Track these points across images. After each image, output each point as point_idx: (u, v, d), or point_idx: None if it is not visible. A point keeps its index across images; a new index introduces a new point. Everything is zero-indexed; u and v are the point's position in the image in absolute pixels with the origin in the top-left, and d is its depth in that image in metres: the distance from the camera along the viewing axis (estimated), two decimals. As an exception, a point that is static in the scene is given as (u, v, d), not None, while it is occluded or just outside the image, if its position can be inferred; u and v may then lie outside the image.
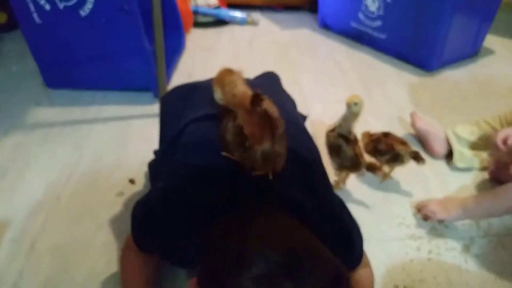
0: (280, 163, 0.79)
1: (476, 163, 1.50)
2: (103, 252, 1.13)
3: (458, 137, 1.52)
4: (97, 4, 1.57)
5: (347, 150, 1.24)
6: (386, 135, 1.37)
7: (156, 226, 0.86)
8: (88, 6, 1.59)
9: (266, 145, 0.76)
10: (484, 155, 1.50)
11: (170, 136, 1.00)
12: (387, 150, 1.32)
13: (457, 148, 1.51)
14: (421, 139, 1.62)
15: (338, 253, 0.87)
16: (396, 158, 1.32)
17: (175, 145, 0.95)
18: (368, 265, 0.99)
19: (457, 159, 1.50)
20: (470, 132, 1.51)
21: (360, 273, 0.95)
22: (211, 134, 0.89)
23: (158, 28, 1.50)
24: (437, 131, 1.58)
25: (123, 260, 1.00)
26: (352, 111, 1.19)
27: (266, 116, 0.79)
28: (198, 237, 0.80)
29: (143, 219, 0.90)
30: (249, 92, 0.88)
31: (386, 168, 1.38)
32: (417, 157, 1.30)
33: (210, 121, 0.93)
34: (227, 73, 0.94)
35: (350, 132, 1.24)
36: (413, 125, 1.66)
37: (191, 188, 0.82)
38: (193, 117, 0.97)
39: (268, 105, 0.81)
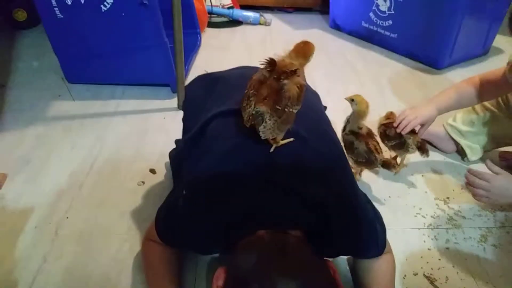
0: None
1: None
2: (125, 238, 1.15)
3: (461, 132, 1.53)
4: (118, -1, 1.61)
5: (359, 145, 1.26)
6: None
7: (180, 232, 0.89)
8: (109, 0, 1.62)
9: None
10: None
11: (193, 128, 1.00)
12: (395, 136, 1.34)
13: (464, 143, 1.52)
14: (429, 143, 1.59)
15: (363, 245, 0.91)
16: (402, 146, 1.34)
17: (198, 141, 0.96)
18: (390, 251, 1.01)
19: (469, 154, 1.52)
20: (470, 122, 1.52)
21: (383, 258, 0.97)
22: (234, 133, 0.90)
23: (178, 23, 1.53)
24: (437, 131, 1.57)
25: (146, 252, 1.02)
26: (353, 109, 1.24)
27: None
28: (223, 242, 0.85)
29: (168, 226, 0.93)
30: None
31: (398, 160, 1.40)
32: (422, 148, 1.34)
33: (233, 116, 0.93)
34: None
35: (360, 127, 1.26)
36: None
37: (214, 200, 0.83)
38: (215, 112, 0.97)
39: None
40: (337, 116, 1.44)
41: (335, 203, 0.84)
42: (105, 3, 1.63)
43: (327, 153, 0.92)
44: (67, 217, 1.21)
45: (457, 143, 1.55)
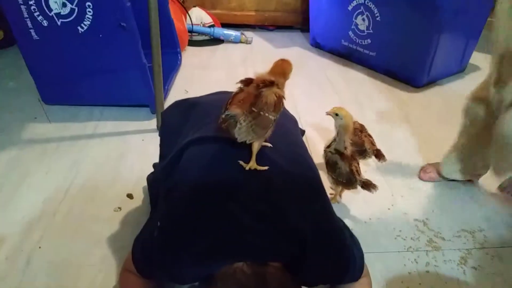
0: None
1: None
2: (101, 268, 1.11)
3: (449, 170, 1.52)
4: (95, 20, 1.59)
5: (342, 166, 1.25)
6: (362, 129, 1.45)
7: (158, 264, 0.86)
8: (86, 22, 1.60)
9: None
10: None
11: (169, 154, 1.00)
12: (358, 144, 1.39)
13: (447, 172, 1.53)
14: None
15: (341, 271, 0.90)
16: (362, 153, 1.41)
17: (173, 168, 0.95)
18: (367, 274, 1.00)
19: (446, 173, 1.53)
20: (455, 168, 1.50)
21: (360, 282, 0.96)
22: (207, 161, 0.89)
23: (156, 44, 1.52)
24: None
25: (123, 283, 0.99)
26: (338, 124, 1.23)
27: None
28: (201, 273, 0.82)
29: (145, 258, 0.90)
30: None
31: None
32: (378, 155, 1.43)
33: (208, 143, 0.93)
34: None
35: (345, 147, 1.26)
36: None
37: (187, 231, 0.82)
38: (190, 139, 0.96)
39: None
40: (317, 134, 1.45)
41: (311, 231, 0.83)
42: (82, 24, 1.61)
43: (302, 179, 0.91)
44: (40, 247, 1.17)
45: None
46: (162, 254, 0.84)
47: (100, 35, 1.63)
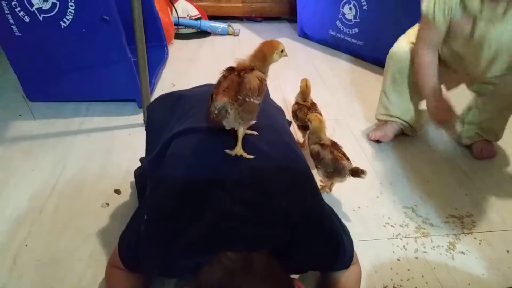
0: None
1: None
2: (89, 264, 1.10)
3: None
4: (77, 14, 1.57)
5: (325, 154, 1.26)
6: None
7: (144, 258, 0.85)
8: (68, 16, 1.58)
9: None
10: None
11: (156, 148, 0.99)
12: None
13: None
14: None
15: (330, 259, 0.90)
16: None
17: (160, 161, 0.95)
18: (357, 262, 1.00)
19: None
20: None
21: (350, 270, 0.97)
22: (192, 151, 0.89)
23: (140, 38, 1.50)
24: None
25: (109, 278, 0.98)
26: (310, 127, 1.32)
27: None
28: (188, 266, 0.81)
29: (132, 252, 0.89)
30: None
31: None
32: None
33: (196, 134, 0.93)
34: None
35: (320, 139, 1.29)
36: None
37: (174, 224, 0.82)
38: (176, 130, 0.96)
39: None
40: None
41: (299, 216, 0.83)
42: (64, 19, 1.59)
43: (289, 166, 0.92)
44: (26, 245, 1.15)
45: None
46: (149, 247, 0.83)
47: (83, 30, 1.61)
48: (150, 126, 1.18)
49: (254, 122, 0.95)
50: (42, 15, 1.58)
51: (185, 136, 0.95)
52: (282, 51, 0.92)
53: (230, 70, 0.87)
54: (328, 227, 0.89)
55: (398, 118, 1.66)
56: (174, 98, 1.15)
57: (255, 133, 0.93)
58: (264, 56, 0.89)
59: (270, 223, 0.81)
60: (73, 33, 1.61)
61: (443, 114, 1.50)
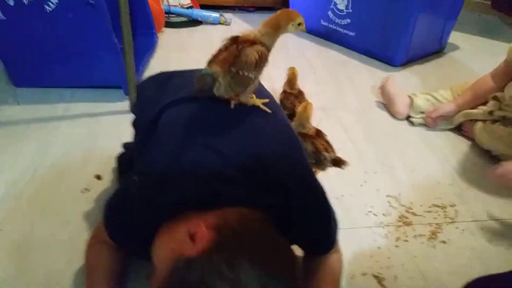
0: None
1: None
2: (64, 249, 1.09)
3: (420, 100, 1.76)
4: (63, -1, 1.54)
5: (307, 146, 1.24)
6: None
7: (130, 220, 0.83)
8: (54, 0, 1.55)
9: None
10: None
11: (146, 121, 0.96)
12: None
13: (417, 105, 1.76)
14: (387, 101, 1.83)
15: (316, 237, 0.89)
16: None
17: (152, 129, 0.92)
18: (338, 250, 0.99)
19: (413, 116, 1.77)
20: (425, 100, 1.76)
21: (331, 257, 0.96)
22: (191, 115, 0.88)
23: (125, 22, 1.48)
24: (403, 95, 1.79)
25: (90, 250, 0.96)
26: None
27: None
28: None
29: (118, 212, 0.87)
30: None
31: None
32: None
33: (190, 103, 0.91)
34: None
35: (304, 127, 1.26)
36: (384, 86, 1.82)
37: (167, 181, 0.79)
38: (171, 100, 0.94)
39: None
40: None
41: (295, 182, 0.81)
42: (49, 3, 1.56)
43: (286, 139, 0.91)
44: (1, 229, 1.13)
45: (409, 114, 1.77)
46: (137, 204, 0.80)
47: (69, 14, 1.59)
48: (139, 107, 1.14)
49: (253, 95, 0.94)
50: (27, -1, 1.56)
51: (176, 106, 0.92)
52: (299, 24, 0.89)
53: (233, 40, 0.86)
54: (323, 197, 0.88)
55: None
56: (166, 76, 1.12)
57: (269, 111, 0.92)
58: (277, 25, 0.87)
59: (266, 188, 0.79)
60: (58, 17, 1.58)
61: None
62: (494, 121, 1.57)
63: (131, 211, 0.82)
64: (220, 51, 0.86)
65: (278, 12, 0.89)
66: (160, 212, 0.78)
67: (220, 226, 0.70)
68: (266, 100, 0.95)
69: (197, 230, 0.69)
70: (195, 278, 0.61)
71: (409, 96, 1.78)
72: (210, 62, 0.85)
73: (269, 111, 0.93)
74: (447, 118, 1.70)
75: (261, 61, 0.85)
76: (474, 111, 1.65)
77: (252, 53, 0.83)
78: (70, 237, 1.12)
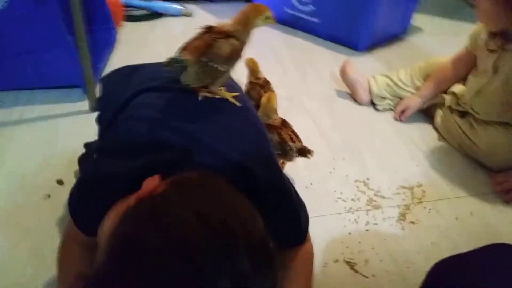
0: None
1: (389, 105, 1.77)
2: (28, 259, 1.04)
3: (379, 87, 1.76)
4: (11, -4, 1.46)
5: (272, 137, 1.21)
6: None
7: (94, 199, 0.78)
8: (3, -1, 1.47)
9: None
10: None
11: (111, 115, 0.92)
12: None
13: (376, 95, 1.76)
14: (349, 86, 1.82)
15: (285, 236, 0.87)
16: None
17: (117, 119, 0.88)
18: (309, 240, 0.98)
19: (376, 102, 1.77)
20: (385, 85, 1.76)
21: (304, 249, 0.95)
22: (158, 102, 0.85)
23: (78, 18, 1.42)
24: (363, 80, 1.78)
25: (60, 251, 0.91)
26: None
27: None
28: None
29: (79, 196, 0.82)
30: None
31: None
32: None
33: (158, 92, 0.89)
34: None
35: (270, 118, 1.24)
36: (343, 71, 1.81)
37: (122, 155, 0.77)
38: (137, 89, 0.91)
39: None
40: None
41: (260, 168, 0.78)
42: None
43: (252, 138, 0.87)
44: (-43, 245, 1.08)
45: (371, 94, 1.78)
46: (99, 182, 0.76)
47: (19, 12, 1.51)
48: (104, 100, 1.09)
49: (222, 88, 0.92)
50: (-28, -2, 1.47)
51: (147, 93, 0.89)
52: (267, 17, 0.89)
53: (208, 30, 0.85)
54: (289, 191, 0.85)
55: None
56: (131, 70, 1.08)
57: (238, 103, 0.90)
58: (246, 20, 0.86)
59: (230, 167, 0.75)
60: (7, 16, 1.50)
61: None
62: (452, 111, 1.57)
63: (91, 191, 0.79)
64: (193, 39, 0.84)
65: (245, 7, 0.88)
66: (118, 186, 0.73)
67: (174, 178, 0.64)
68: (236, 94, 0.93)
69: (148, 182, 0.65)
70: (146, 214, 0.56)
71: (368, 81, 1.78)
72: (182, 49, 0.83)
73: (238, 104, 0.90)
74: (409, 111, 1.69)
75: (233, 56, 0.85)
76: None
77: (225, 46, 0.83)
78: (33, 247, 1.08)
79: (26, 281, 1.00)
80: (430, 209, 1.27)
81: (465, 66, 1.57)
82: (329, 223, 1.20)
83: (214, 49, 0.82)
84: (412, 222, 1.22)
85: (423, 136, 1.62)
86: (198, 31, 0.86)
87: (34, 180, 1.29)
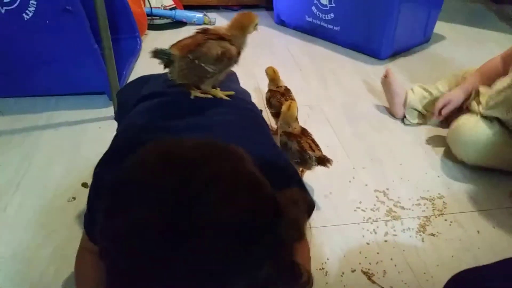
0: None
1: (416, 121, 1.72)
2: (52, 260, 1.08)
3: (414, 98, 1.70)
4: (40, 6, 1.52)
5: (292, 145, 1.23)
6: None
7: (96, 209, 0.79)
8: (31, 8, 1.53)
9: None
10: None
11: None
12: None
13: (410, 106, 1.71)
14: (388, 98, 1.78)
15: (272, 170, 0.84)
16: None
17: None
18: (305, 238, 0.97)
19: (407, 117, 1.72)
20: (422, 97, 1.70)
21: (302, 245, 0.93)
22: (151, 108, 0.89)
23: (104, 27, 1.46)
24: (403, 93, 1.72)
25: (76, 259, 0.94)
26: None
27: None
28: None
29: (87, 205, 0.86)
30: None
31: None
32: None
33: (154, 98, 0.92)
34: None
35: (290, 126, 1.25)
36: (388, 82, 1.75)
37: (113, 166, 0.77)
38: (138, 98, 0.95)
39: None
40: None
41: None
42: (27, 11, 1.54)
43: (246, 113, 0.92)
44: (-14, 244, 1.12)
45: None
46: (97, 189, 0.80)
47: (47, 21, 1.57)
48: (121, 113, 1.13)
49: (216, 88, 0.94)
50: (4, 8, 1.54)
51: (147, 100, 0.93)
52: (256, 25, 0.94)
53: (203, 31, 0.88)
54: (284, 161, 0.84)
55: None
56: (142, 81, 1.12)
57: (228, 98, 0.93)
58: (241, 26, 0.91)
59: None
60: (36, 25, 1.57)
61: None
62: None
63: (92, 201, 0.82)
64: (186, 38, 0.88)
65: (238, 15, 0.93)
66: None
67: None
68: (232, 93, 0.95)
69: None
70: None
71: (406, 94, 1.71)
72: (173, 45, 0.87)
73: (228, 99, 0.92)
74: (450, 105, 1.58)
75: (224, 58, 0.86)
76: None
77: (215, 47, 0.84)
78: (57, 248, 1.11)
79: (49, 280, 1.03)
80: (451, 221, 1.25)
81: None
82: (347, 232, 1.19)
83: (203, 48, 0.84)
84: (432, 234, 1.21)
85: (444, 146, 1.59)
86: (194, 31, 0.89)
87: (60, 183, 1.33)
